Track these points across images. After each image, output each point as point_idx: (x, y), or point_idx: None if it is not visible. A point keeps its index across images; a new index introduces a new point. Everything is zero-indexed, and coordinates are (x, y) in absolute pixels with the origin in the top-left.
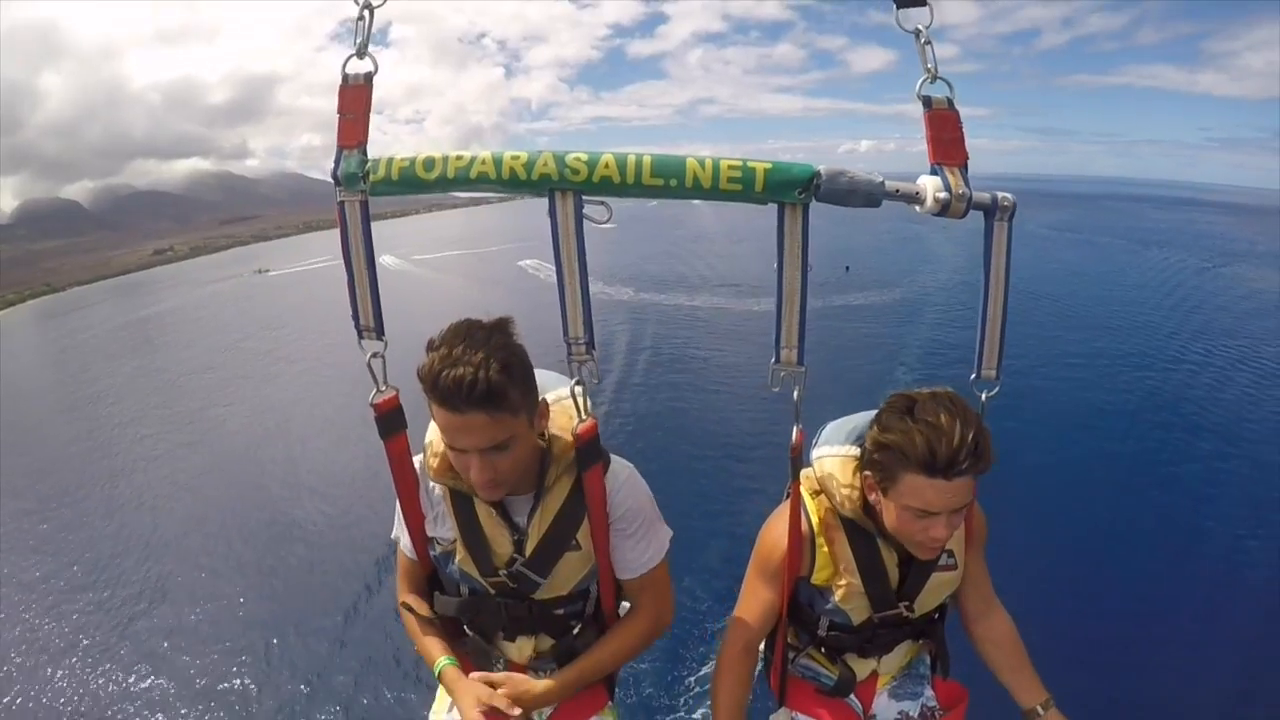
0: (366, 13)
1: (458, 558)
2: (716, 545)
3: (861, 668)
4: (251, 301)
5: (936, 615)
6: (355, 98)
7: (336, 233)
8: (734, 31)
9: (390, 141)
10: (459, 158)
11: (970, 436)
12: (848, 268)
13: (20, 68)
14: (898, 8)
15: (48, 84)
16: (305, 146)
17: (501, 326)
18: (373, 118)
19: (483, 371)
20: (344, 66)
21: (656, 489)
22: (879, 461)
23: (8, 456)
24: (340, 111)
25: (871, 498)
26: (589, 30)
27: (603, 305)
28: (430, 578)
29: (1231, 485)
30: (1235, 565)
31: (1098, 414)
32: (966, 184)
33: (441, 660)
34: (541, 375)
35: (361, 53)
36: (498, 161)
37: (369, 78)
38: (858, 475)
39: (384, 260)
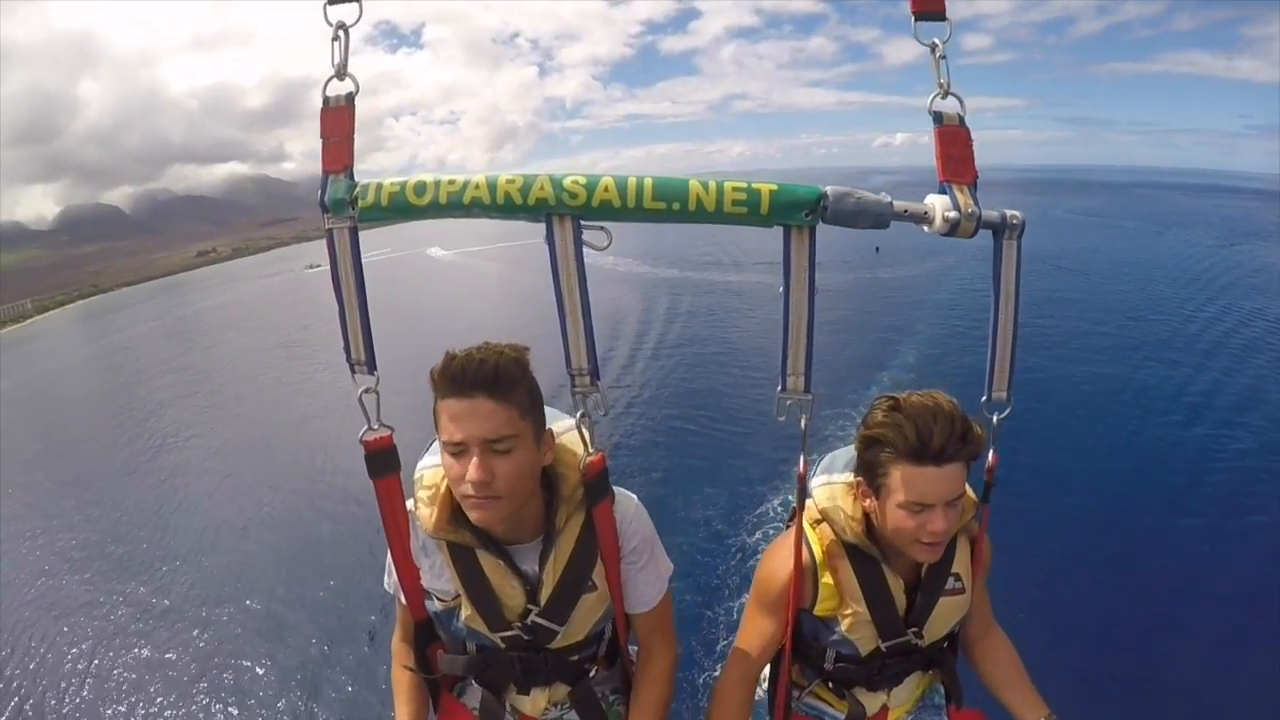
0: (342, 33)
1: (464, 615)
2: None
3: (871, 702)
4: (306, 292)
5: (946, 644)
6: (338, 120)
7: (377, 232)
8: (767, 26)
9: (425, 143)
10: (451, 182)
11: (956, 421)
12: (878, 249)
13: (59, 77)
14: (915, 20)
15: (86, 92)
16: None
17: (517, 346)
18: (407, 119)
19: (493, 357)
20: (324, 89)
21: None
22: (869, 461)
23: (85, 444)
24: (324, 136)
25: (866, 505)
26: (621, 27)
27: (649, 281)
28: (425, 625)
29: None
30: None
31: (1101, 392)
32: (976, 203)
33: None
34: (547, 411)
35: (341, 74)
36: (492, 186)
37: (350, 98)
38: (858, 503)
39: (431, 252)
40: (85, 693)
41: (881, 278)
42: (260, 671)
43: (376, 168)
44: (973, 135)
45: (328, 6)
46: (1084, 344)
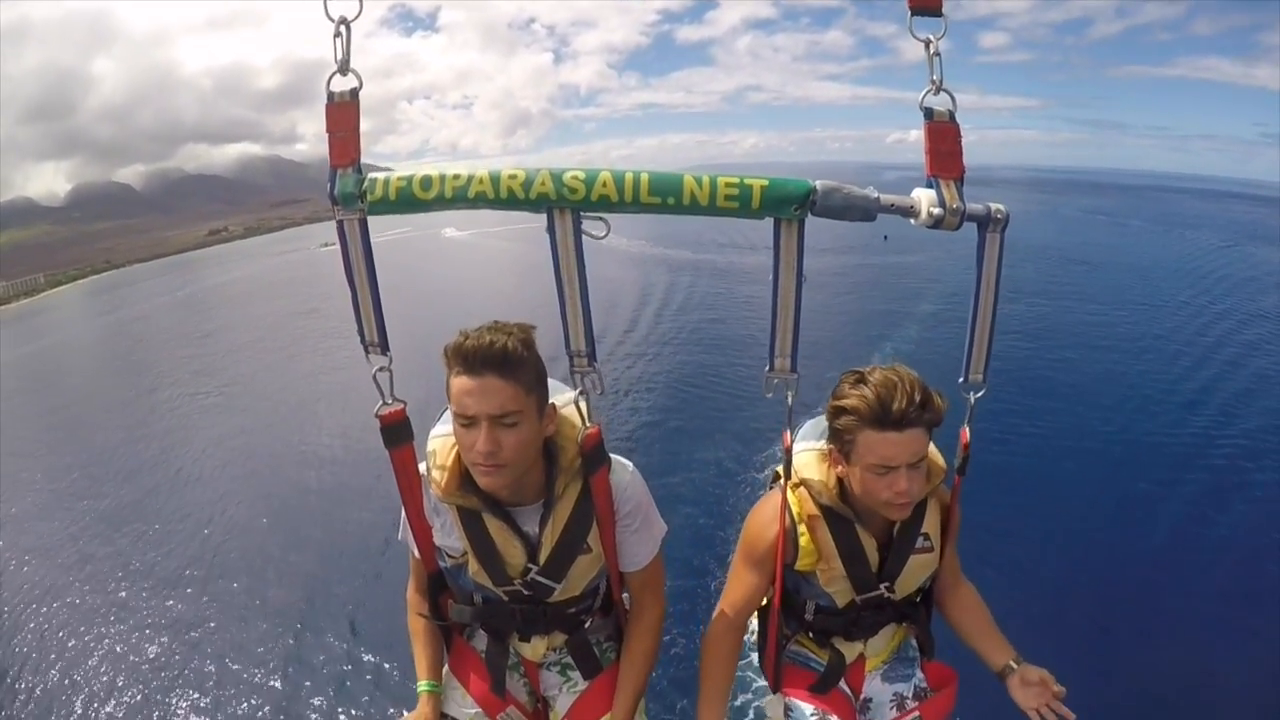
0: (344, 28)
1: (471, 570)
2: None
3: (849, 650)
4: (322, 268)
5: (919, 600)
6: (343, 115)
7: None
8: (784, 18)
9: (438, 127)
10: (456, 177)
11: (916, 390)
12: (885, 237)
13: (73, 54)
14: (911, 15)
15: (100, 69)
16: None
17: (524, 326)
18: (420, 103)
19: (502, 339)
20: (328, 84)
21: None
22: (838, 430)
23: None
24: (329, 131)
25: (839, 470)
26: (638, 16)
27: (663, 261)
28: (436, 576)
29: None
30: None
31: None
32: (961, 198)
33: (422, 684)
34: (550, 383)
35: (344, 69)
36: (495, 180)
37: (355, 93)
38: (832, 469)
39: (446, 233)
40: (108, 621)
41: (890, 262)
42: (271, 604)
43: (389, 150)
44: (986, 134)
45: (328, 1)
46: (1079, 332)
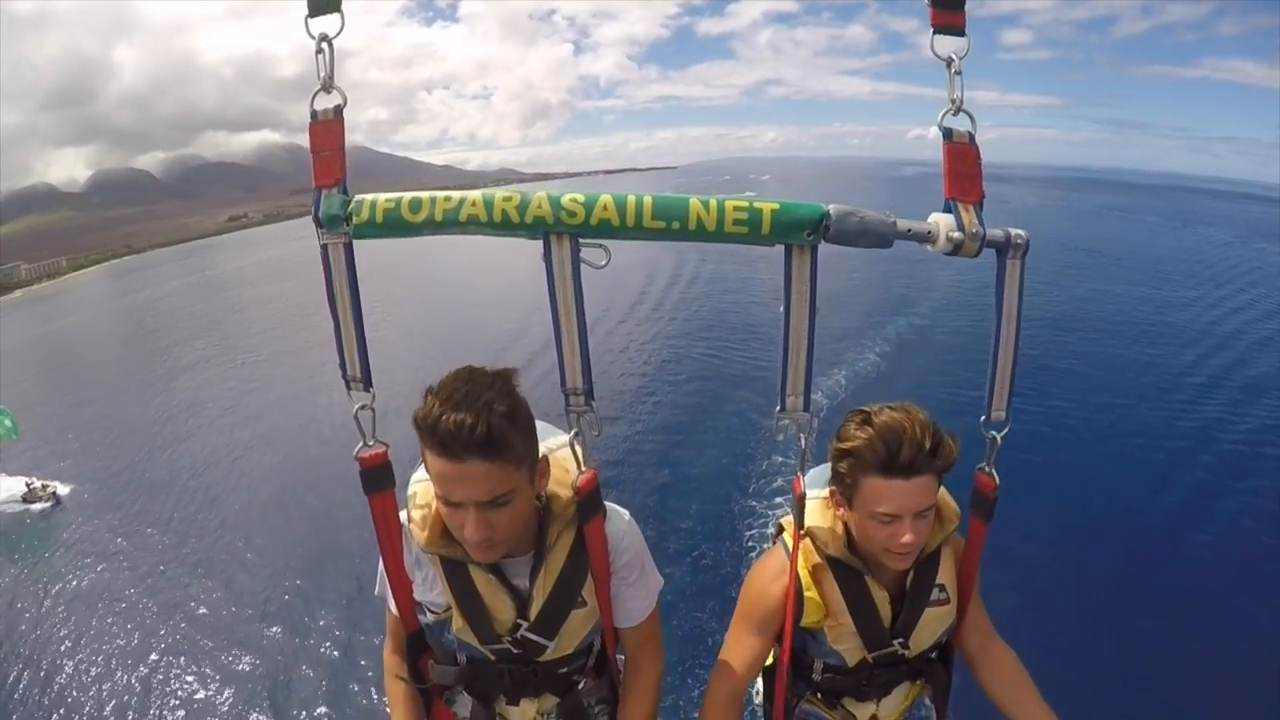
0: (325, 45)
1: (455, 627)
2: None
3: (860, 712)
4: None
5: (936, 655)
6: (327, 134)
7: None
8: (805, 12)
9: (456, 117)
10: (447, 199)
11: (926, 435)
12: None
13: (94, 41)
14: (934, 34)
15: (121, 57)
16: (373, 120)
17: (505, 375)
18: (439, 93)
19: (485, 416)
20: (311, 102)
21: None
22: (841, 473)
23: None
24: (313, 150)
25: (839, 514)
26: (659, 8)
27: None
28: (416, 637)
29: None
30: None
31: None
32: (981, 223)
33: None
34: (539, 427)
35: (328, 86)
36: (489, 203)
37: (339, 111)
38: (836, 516)
39: None
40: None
41: (893, 253)
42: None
43: (408, 139)
44: (1007, 132)
45: (309, 19)
46: (1083, 322)
